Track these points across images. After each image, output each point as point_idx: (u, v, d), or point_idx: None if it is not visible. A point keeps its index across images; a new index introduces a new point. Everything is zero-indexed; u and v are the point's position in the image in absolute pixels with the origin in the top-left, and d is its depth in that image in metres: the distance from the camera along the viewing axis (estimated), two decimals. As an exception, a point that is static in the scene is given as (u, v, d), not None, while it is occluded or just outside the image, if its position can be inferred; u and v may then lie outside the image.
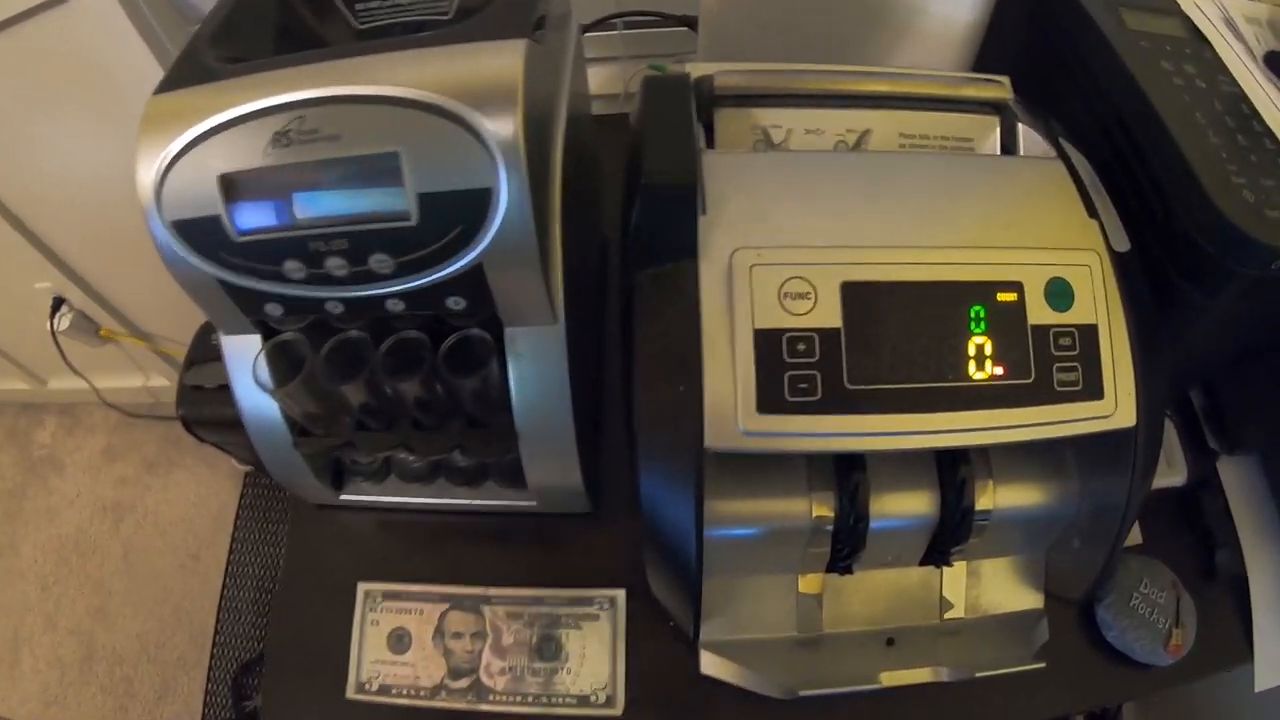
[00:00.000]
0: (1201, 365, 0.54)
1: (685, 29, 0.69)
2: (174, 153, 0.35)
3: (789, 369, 0.35)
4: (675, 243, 0.36)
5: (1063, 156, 0.43)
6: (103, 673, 1.21)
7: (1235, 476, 0.55)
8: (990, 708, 0.47)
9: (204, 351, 0.62)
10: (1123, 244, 0.40)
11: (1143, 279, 0.40)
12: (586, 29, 0.69)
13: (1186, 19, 0.50)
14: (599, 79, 0.75)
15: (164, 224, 0.36)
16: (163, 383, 1.32)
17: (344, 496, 0.51)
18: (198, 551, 1.29)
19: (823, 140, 0.46)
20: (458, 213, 0.33)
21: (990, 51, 0.57)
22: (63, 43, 0.74)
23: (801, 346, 0.35)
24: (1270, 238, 0.38)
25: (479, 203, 0.33)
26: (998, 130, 0.47)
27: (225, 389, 0.44)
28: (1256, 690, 0.50)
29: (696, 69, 0.45)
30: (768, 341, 0.35)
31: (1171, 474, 0.53)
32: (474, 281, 0.35)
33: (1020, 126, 0.47)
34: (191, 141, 0.34)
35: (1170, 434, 0.54)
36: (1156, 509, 0.53)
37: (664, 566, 0.38)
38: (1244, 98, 0.46)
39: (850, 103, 0.46)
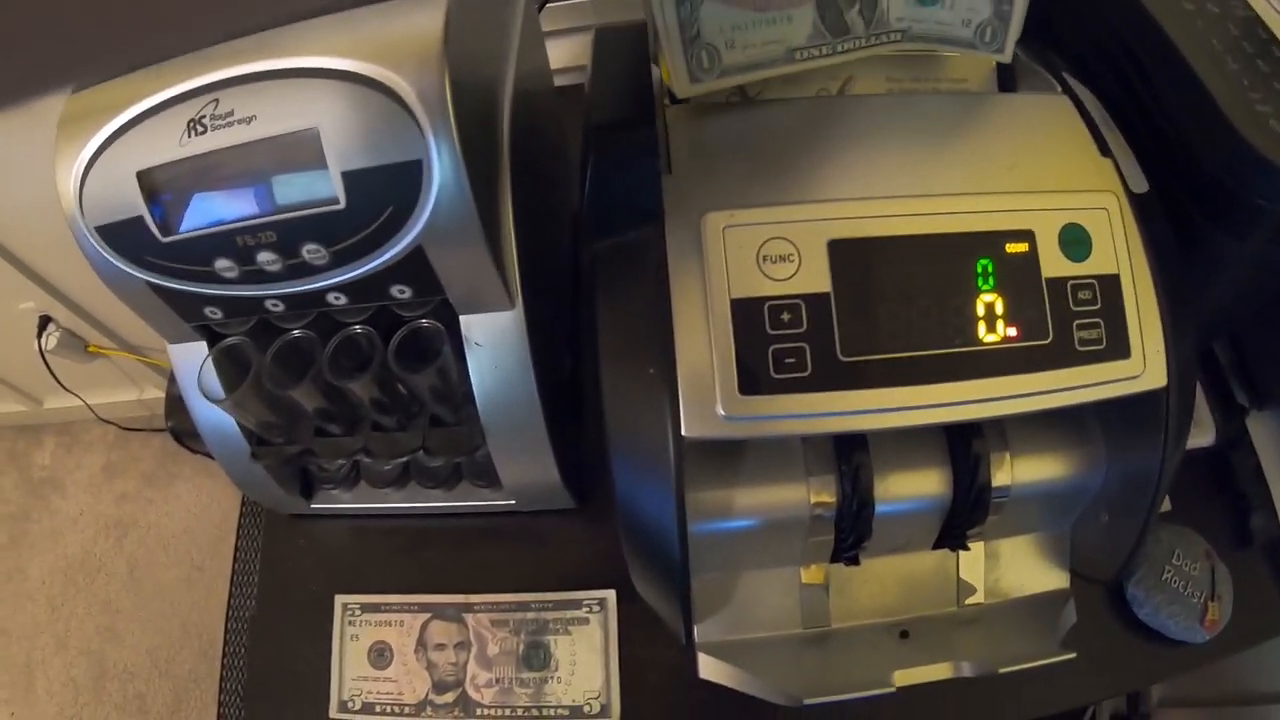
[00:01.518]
0: (1228, 315, 0.50)
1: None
2: (91, 153, 0.33)
3: (773, 342, 0.31)
4: (636, 206, 0.32)
5: (1068, 92, 0.39)
6: (116, 691, 1.20)
7: (1267, 433, 0.52)
8: (1015, 697, 0.44)
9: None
10: (1140, 184, 0.37)
11: (1165, 222, 0.36)
12: (551, -2, 0.65)
13: (1193, -64, 0.46)
14: (571, 50, 0.71)
15: (88, 230, 0.34)
16: (156, 394, 1.31)
17: (315, 505, 0.49)
18: (202, 563, 1.28)
19: (802, 89, 0.42)
20: (388, 191, 0.30)
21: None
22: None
23: (786, 316, 0.31)
24: (1303, 171, 0.34)
25: (410, 177, 0.29)
26: (994, 68, 0.43)
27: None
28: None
29: (658, 19, 0.41)
30: (747, 312, 0.31)
31: (1199, 434, 0.50)
32: (417, 267, 0.32)
33: (1019, 62, 0.42)
34: (107, 139, 0.32)
35: (1196, 391, 0.50)
36: (1185, 472, 0.49)
37: (647, 570, 0.35)
38: (1259, 21, 0.43)
39: (831, 48, 0.42)
